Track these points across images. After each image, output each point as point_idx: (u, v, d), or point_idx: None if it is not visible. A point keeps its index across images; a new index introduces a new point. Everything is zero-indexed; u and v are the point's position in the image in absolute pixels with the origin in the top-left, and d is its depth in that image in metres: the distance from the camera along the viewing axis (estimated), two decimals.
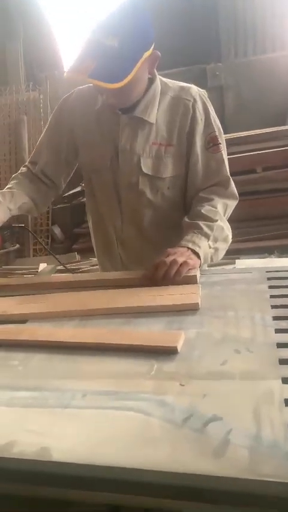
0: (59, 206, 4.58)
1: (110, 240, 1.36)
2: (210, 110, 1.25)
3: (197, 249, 1.10)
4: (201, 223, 1.16)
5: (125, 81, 1.03)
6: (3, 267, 3.75)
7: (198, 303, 0.92)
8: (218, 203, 1.22)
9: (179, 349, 0.77)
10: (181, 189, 1.29)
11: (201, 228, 1.15)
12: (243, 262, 1.36)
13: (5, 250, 3.93)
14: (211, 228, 1.15)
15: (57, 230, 4.64)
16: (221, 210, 1.22)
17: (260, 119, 4.15)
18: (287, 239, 3.83)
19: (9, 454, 0.57)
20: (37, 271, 3.48)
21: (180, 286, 1.01)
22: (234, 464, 0.51)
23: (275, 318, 0.84)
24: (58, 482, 0.56)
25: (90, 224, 1.45)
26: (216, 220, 1.18)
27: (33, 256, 4.37)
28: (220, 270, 1.23)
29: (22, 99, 4.89)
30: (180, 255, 1.06)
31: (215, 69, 4.66)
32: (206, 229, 1.15)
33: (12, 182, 1.33)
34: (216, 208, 1.20)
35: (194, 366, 0.72)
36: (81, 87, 1.35)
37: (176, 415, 0.61)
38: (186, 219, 1.21)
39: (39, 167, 1.35)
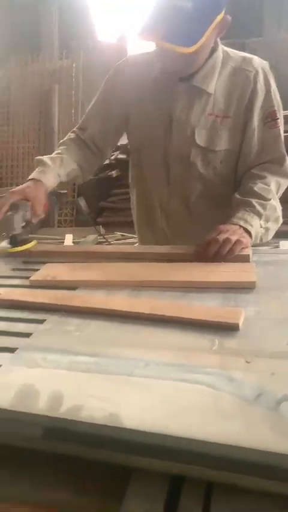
0: None
1: (154, 213, 1.34)
2: (271, 83, 1.20)
3: (249, 228, 1.07)
4: (254, 201, 1.12)
5: (198, 45, 0.98)
6: (29, 235, 3.76)
7: (255, 281, 0.90)
8: (271, 181, 1.18)
9: (240, 325, 0.75)
10: (234, 164, 1.25)
11: (253, 206, 1.11)
12: (286, 244, 1.32)
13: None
14: (264, 207, 1.12)
15: (82, 202, 4.59)
16: (274, 188, 1.18)
17: None
18: None
19: (78, 418, 0.57)
20: (63, 242, 3.49)
21: (233, 263, 0.99)
22: None
23: None
24: (128, 449, 0.55)
25: (133, 196, 1.43)
26: (269, 199, 1.14)
27: (58, 227, 4.38)
28: (268, 250, 1.19)
29: (54, 68, 4.81)
30: (232, 232, 1.03)
31: (254, 44, 4.48)
32: (258, 207, 1.11)
33: (61, 148, 1.31)
34: (269, 186, 1.16)
35: (257, 344, 0.71)
36: (133, 54, 1.31)
37: (246, 392, 0.59)
38: (237, 196, 1.17)
39: (88, 134, 1.32)
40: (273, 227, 1.18)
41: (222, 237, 1.01)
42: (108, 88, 1.31)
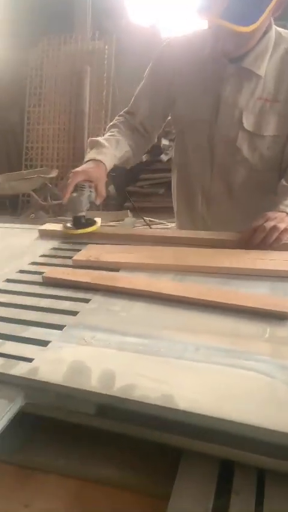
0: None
1: (194, 197, 1.32)
2: None
3: None
4: None
5: (256, 24, 0.95)
6: (58, 217, 3.80)
7: None
8: None
9: None
10: (280, 151, 1.21)
11: None
12: None
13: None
14: None
15: (110, 187, 4.62)
16: None
17: None
18: None
19: (132, 397, 0.56)
20: None
21: (280, 252, 0.96)
22: None
23: None
24: (182, 430, 0.55)
25: (174, 181, 1.40)
26: None
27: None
28: None
29: (87, 49, 4.76)
30: (280, 220, 1.00)
31: None
32: None
33: (113, 130, 1.28)
34: None
35: None
36: (176, 36, 1.27)
37: None
38: (284, 182, 1.14)
39: (138, 118, 1.30)
40: None
41: (269, 224, 0.99)
42: (155, 70, 1.28)
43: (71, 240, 1.18)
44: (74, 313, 0.78)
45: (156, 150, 4.25)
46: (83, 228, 1.18)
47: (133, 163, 1.34)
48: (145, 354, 0.66)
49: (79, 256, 1.00)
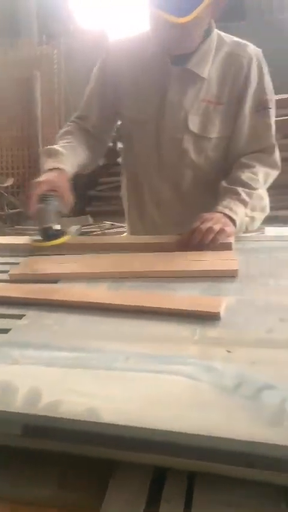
0: None
1: (144, 201, 1.32)
2: (264, 71, 1.18)
3: (233, 216, 1.06)
4: (240, 190, 1.12)
5: (194, 14, 0.96)
6: (16, 226, 3.74)
7: (237, 270, 0.89)
8: (260, 171, 1.17)
9: (221, 314, 0.74)
10: (225, 152, 1.23)
11: (239, 194, 1.11)
12: (273, 230, 1.31)
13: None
14: (250, 196, 1.11)
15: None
16: (262, 178, 1.17)
17: (285, 83, 3.98)
18: None
19: (57, 414, 0.56)
20: None
21: (216, 252, 0.98)
22: None
23: None
24: (107, 443, 0.55)
25: (123, 184, 1.40)
26: (256, 189, 1.13)
27: None
28: (254, 237, 1.18)
29: (35, 54, 4.70)
30: (216, 221, 1.02)
31: (238, 28, 4.42)
32: (244, 196, 1.11)
33: (68, 137, 1.24)
34: (257, 176, 1.16)
35: (238, 333, 0.70)
36: (122, 37, 1.27)
37: (225, 381, 0.59)
38: (224, 184, 1.16)
39: (90, 122, 1.28)
40: (260, 216, 1.17)
41: (205, 226, 1.00)
42: (101, 72, 1.26)
43: (29, 253, 1.13)
44: (5, 330, 0.76)
45: (113, 153, 4.24)
46: (53, 239, 1.12)
47: (91, 169, 1.33)
48: (75, 368, 0.65)
49: (16, 270, 0.98)
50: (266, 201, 1.17)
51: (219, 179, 1.23)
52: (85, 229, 3.81)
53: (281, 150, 1.22)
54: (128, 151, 1.31)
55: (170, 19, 0.97)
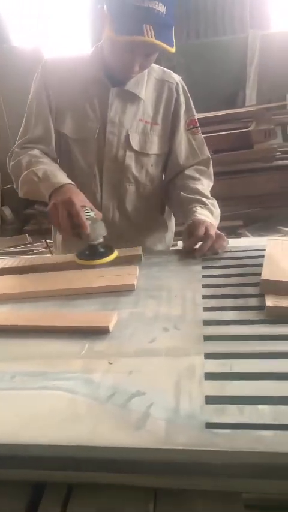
0: (9, 186, 4.42)
1: None
2: (188, 95, 1.31)
3: (213, 223, 1.15)
4: (204, 200, 1.22)
5: (174, 47, 1.03)
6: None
7: (134, 284, 0.94)
8: (205, 183, 1.29)
9: (111, 328, 0.78)
10: (162, 168, 1.34)
11: (206, 204, 1.21)
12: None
13: None
14: (213, 205, 1.23)
15: (7, 211, 4.50)
16: (207, 189, 1.28)
17: (210, 101, 4.19)
18: (236, 220, 3.97)
19: None
20: None
21: (119, 267, 1.03)
22: (152, 436, 0.54)
23: (205, 297, 0.88)
24: None
25: None
26: (212, 199, 1.24)
27: None
28: (159, 252, 1.25)
29: None
30: (214, 228, 1.11)
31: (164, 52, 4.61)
32: (210, 205, 1.21)
33: (40, 159, 1.18)
34: (205, 186, 1.28)
35: (123, 345, 0.74)
36: (55, 56, 1.28)
37: (101, 393, 0.62)
38: (184, 194, 1.24)
39: (35, 145, 1.24)
40: (216, 224, 1.26)
41: (211, 233, 1.08)
42: (39, 91, 1.25)
43: None
44: None
45: None
46: (103, 254, 1.08)
47: None
48: None
49: None
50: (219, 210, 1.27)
51: (157, 194, 1.34)
52: (24, 248, 3.76)
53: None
54: (67, 168, 1.30)
55: (168, 49, 1.02)
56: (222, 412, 0.57)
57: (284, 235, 3.58)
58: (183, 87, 1.31)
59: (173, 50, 1.04)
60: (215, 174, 1.36)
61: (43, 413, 0.60)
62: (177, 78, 1.31)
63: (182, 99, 1.30)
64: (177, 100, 1.28)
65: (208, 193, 1.27)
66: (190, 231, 1.11)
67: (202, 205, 1.20)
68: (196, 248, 1.10)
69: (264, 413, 0.56)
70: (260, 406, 0.57)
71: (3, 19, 5.28)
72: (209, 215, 1.18)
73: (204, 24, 4.69)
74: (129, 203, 1.32)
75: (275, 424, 0.54)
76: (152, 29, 1.00)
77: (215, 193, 1.31)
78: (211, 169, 1.34)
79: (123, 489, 0.56)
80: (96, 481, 0.57)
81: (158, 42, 1.01)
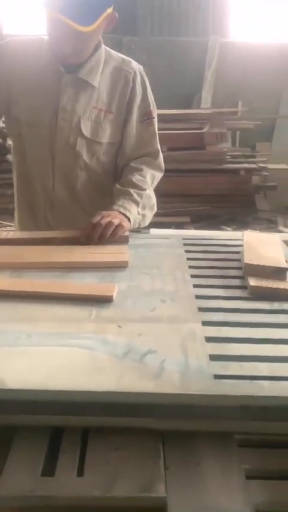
0: None
1: (36, 199, 1.35)
2: (147, 86, 1.33)
3: (128, 214, 1.18)
4: (132, 191, 1.25)
5: (94, 26, 1.04)
6: None
7: (127, 261, 1.01)
8: (147, 173, 1.32)
9: (114, 298, 0.85)
10: (115, 157, 1.35)
11: (132, 195, 1.24)
12: (157, 230, 1.47)
13: None
14: (140, 196, 1.25)
15: None
16: (149, 180, 1.32)
17: (169, 99, 4.32)
18: (184, 217, 4.15)
19: None
20: None
21: (110, 245, 1.09)
22: (170, 384, 0.63)
23: (193, 276, 0.98)
24: (11, 408, 0.61)
25: (15, 181, 1.42)
26: (145, 189, 1.28)
27: None
28: (142, 235, 1.33)
29: None
30: (114, 217, 1.13)
31: (130, 43, 4.67)
32: (136, 196, 1.24)
33: None
34: (145, 178, 1.30)
35: (128, 312, 0.82)
36: (17, 38, 1.29)
37: (117, 350, 0.70)
38: (117, 186, 1.28)
39: None
40: (149, 214, 1.32)
41: (105, 220, 1.11)
42: None
43: None
44: None
45: (2, 149, 4.11)
46: None
47: None
48: None
49: None
50: (154, 200, 1.32)
51: (110, 181, 1.35)
52: None
53: (165, 162, 1.39)
54: (19, 152, 1.33)
55: (74, 26, 1.03)
56: (226, 368, 0.67)
57: None
58: (141, 78, 1.31)
59: (83, 28, 1.04)
60: (168, 171, 1.39)
61: (67, 365, 0.66)
62: (136, 67, 1.31)
63: (138, 89, 1.30)
64: (133, 90, 1.29)
65: (145, 184, 1.29)
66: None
67: (126, 197, 1.24)
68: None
69: (260, 368, 0.67)
70: (256, 363, 0.68)
71: None
72: (131, 206, 1.22)
73: (168, 22, 4.80)
74: (82, 190, 1.34)
75: (270, 375, 0.65)
76: (65, 2, 1.02)
77: (165, 190, 1.37)
78: (160, 160, 1.36)
79: (136, 432, 0.64)
80: (114, 424, 0.64)
81: (60, 16, 1.02)
